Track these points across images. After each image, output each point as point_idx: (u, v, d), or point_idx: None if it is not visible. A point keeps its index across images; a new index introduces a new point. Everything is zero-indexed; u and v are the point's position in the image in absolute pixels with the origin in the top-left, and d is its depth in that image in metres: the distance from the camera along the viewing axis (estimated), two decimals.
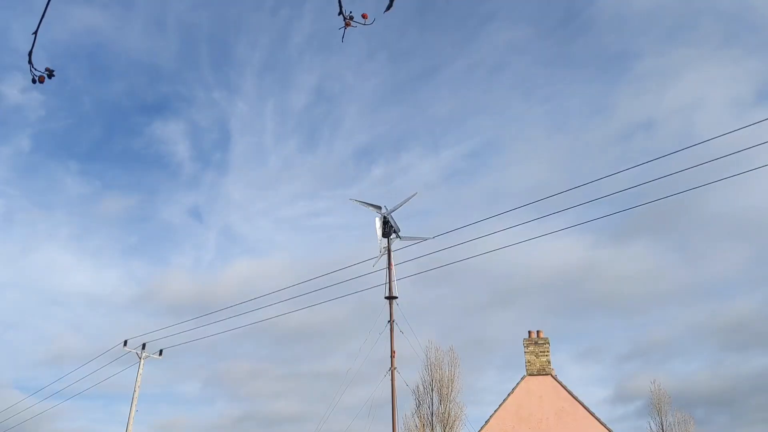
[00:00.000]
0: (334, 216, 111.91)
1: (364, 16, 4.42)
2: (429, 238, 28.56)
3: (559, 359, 74.19)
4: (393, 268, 29.68)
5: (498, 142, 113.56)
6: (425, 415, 33.70)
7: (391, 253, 29.77)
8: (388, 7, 4.29)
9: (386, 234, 30.49)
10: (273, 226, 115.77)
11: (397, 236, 30.18)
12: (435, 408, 33.59)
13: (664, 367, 66.56)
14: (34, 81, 4.03)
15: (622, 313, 75.33)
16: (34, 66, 4.03)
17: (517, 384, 31.09)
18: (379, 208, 29.39)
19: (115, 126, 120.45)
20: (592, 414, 29.51)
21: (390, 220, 30.31)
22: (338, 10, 4.41)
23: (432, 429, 33.81)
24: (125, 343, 31.19)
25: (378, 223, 30.34)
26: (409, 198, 29.61)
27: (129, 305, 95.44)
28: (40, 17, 3.98)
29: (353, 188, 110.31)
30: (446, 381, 32.74)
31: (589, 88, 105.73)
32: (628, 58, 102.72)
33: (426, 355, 35.21)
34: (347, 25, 4.38)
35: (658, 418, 36.08)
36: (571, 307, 73.28)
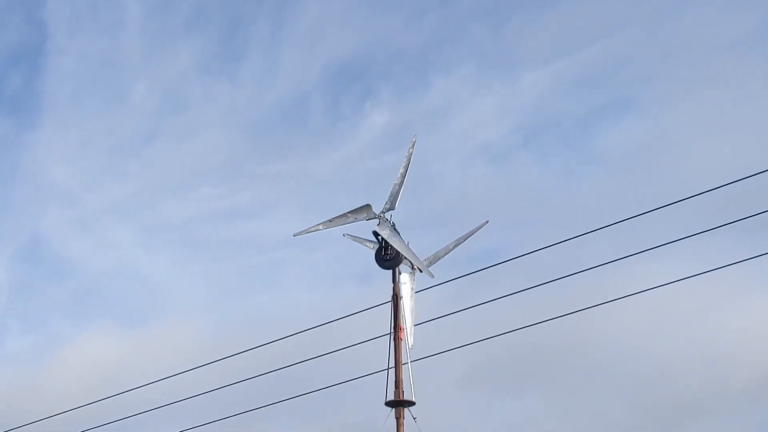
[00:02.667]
0: (279, 216, 54.27)
1: None
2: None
3: None
4: (404, 338, 15.76)
5: (641, 62, 52.53)
6: None
7: (400, 309, 15.84)
8: None
9: (390, 263, 16.71)
10: (139, 238, 57.21)
11: (420, 271, 16.57)
12: None
13: None
14: None
15: None
16: None
17: None
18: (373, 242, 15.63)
19: None
20: None
21: (399, 240, 16.43)
22: None
23: None
24: None
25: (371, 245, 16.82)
26: (477, 230, 16.48)
27: None
28: None
29: (323, 158, 53.42)
30: None
31: None
32: None
33: None
34: None
35: None
36: None
